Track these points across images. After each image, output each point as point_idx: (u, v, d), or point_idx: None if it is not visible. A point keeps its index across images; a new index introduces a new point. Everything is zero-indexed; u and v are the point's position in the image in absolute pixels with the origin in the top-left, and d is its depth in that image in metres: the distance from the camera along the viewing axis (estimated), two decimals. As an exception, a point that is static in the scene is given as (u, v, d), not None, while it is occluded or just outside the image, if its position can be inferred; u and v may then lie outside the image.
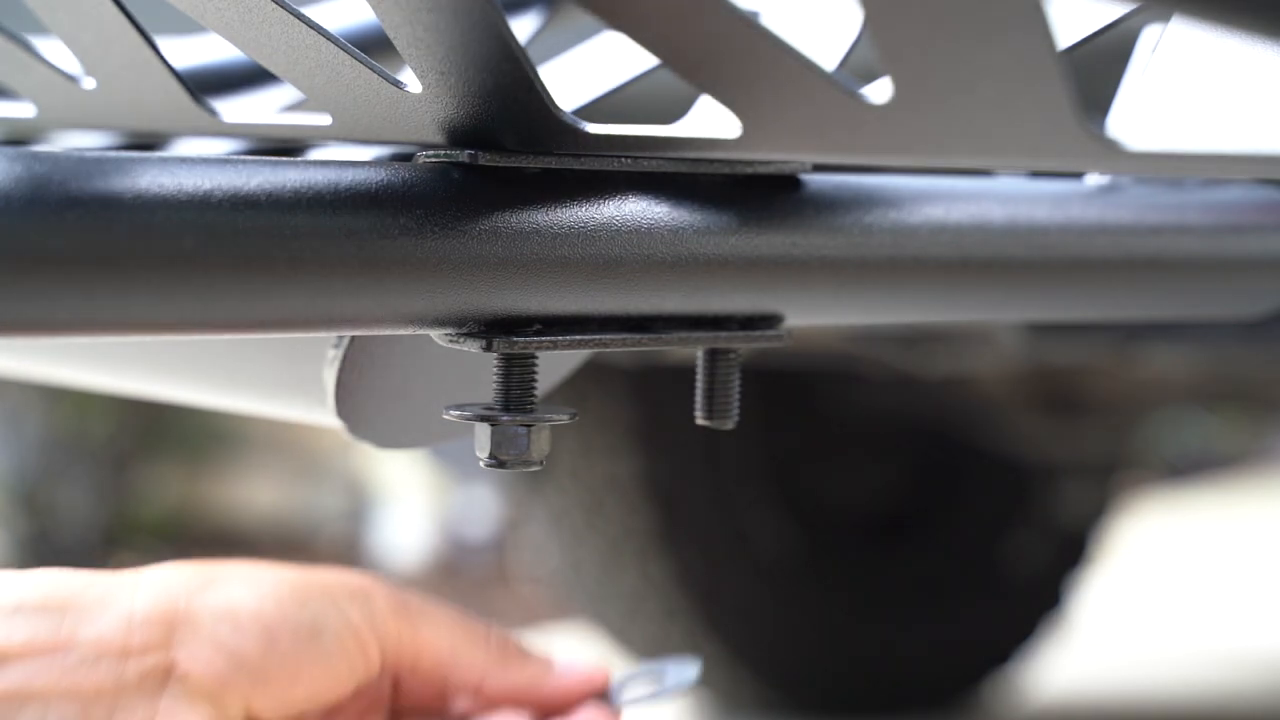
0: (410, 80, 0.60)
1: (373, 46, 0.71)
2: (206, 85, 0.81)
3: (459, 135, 0.61)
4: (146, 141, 0.80)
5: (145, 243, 0.54)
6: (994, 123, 0.54)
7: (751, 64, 0.55)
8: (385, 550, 4.37)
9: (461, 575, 4.18)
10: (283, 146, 0.75)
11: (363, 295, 0.58)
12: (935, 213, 0.69)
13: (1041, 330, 1.40)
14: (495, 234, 0.60)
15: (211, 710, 0.64)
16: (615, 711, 0.71)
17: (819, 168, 0.68)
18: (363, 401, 0.70)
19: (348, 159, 0.60)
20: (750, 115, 0.59)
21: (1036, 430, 1.89)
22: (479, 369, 0.72)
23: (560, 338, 0.63)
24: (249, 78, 0.85)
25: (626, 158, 0.64)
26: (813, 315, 0.70)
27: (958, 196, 0.70)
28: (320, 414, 0.71)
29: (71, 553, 3.87)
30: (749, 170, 0.66)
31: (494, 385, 0.63)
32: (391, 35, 0.58)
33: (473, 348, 0.62)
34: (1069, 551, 2.09)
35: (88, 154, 0.55)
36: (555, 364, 0.73)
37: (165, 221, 0.54)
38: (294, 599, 0.66)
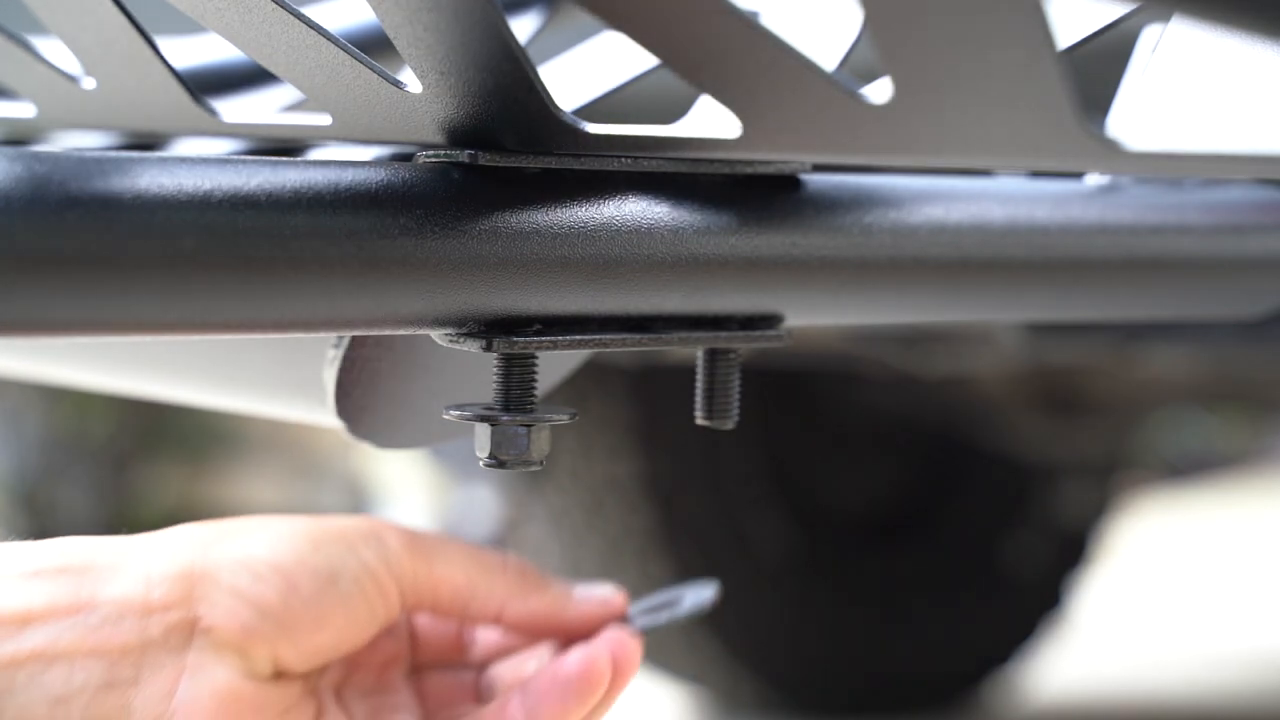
0: (410, 80, 0.60)
1: (373, 46, 0.71)
2: (206, 85, 0.81)
3: (459, 135, 0.61)
4: (146, 141, 0.80)
5: (145, 243, 0.54)
6: (994, 123, 0.54)
7: (751, 64, 0.55)
8: (385, 550, 4.36)
9: (462, 575, 4.17)
10: (283, 146, 0.75)
11: (363, 295, 0.58)
12: (935, 213, 0.69)
13: (1041, 330, 1.40)
14: (495, 234, 0.60)
15: (239, 661, 0.64)
16: (635, 633, 0.70)
17: (819, 168, 0.68)
18: (362, 401, 0.70)
19: (348, 159, 0.60)
20: (750, 115, 0.59)
21: (1036, 430, 1.89)
22: (479, 369, 0.72)
23: (560, 338, 0.63)
24: (249, 78, 0.85)
25: (626, 158, 0.64)
26: (813, 315, 0.70)
27: (958, 196, 0.70)
28: (320, 414, 0.71)
29: (71, 553, 3.86)
30: (749, 170, 0.66)
31: (494, 385, 0.63)
32: (391, 35, 0.58)
33: (473, 348, 0.62)
34: (1069, 551, 2.09)
35: (88, 154, 0.55)
36: (555, 364, 0.73)
37: (165, 221, 0.54)
38: (308, 545, 0.66)
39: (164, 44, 0.66)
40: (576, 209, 0.62)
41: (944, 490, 2.07)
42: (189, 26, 0.68)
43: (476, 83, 0.59)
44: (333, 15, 0.85)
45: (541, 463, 0.64)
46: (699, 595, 0.73)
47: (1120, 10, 0.62)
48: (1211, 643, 2.56)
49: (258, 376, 0.74)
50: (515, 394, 0.63)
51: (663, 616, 0.72)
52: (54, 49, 0.71)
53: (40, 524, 4.02)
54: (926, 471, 2.07)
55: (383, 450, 0.75)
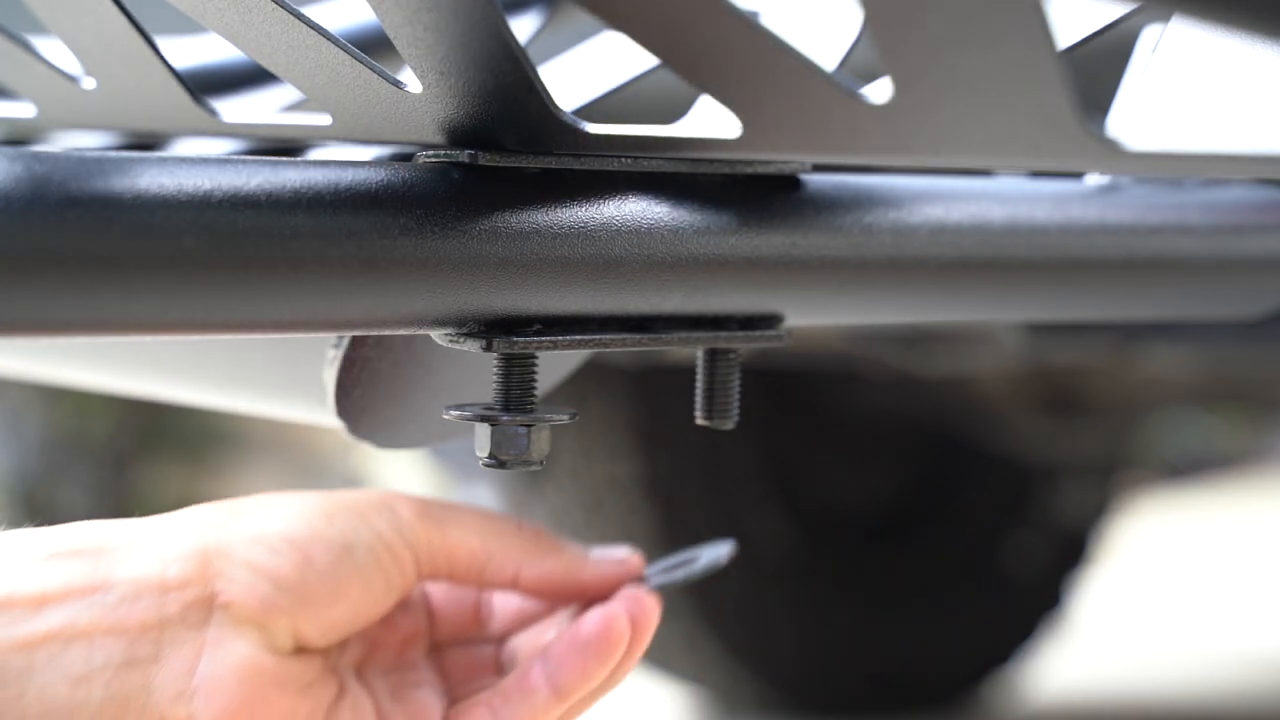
0: (410, 80, 0.60)
1: (373, 46, 0.71)
2: (206, 85, 0.81)
3: (459, 135, 0.61)
4: (146, 141, 0.80)
5: (145, 243, 0.54)
6: (994, 123, 0.54)
7: (751, 64, 0.55)
8: (385, 550, 4.36)
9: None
10: (283, 146, 0.75)
11: (363, 295, 0.58)
12: (935, 213, 0.69)
13: (1041, 330, 1.40)
14: (495, 234, 0.60)
15: (259, 636, 0.64)
16: (652, 591, 0.70)
17: (819, 168, 0.68)
18: (362, 401, 0.70)
19: (348, 159, 0.60)
20: (750, 115, 0.59)
21: (1036, 430, 1.89)
22: (479, 369, 0.72)
23: (560, 338, 0.63)
24: (249, 78, 0.85)
25: (626, 158, 0.64)
26: (813, 315, 0.70)
27: (958, 196, 0.70)
28: (320, 414, 0.71)
29: (71, 553, 3.86)
30: (749, 170, 0.66)
31: (494, 385, 0.63)
32: (391, 35, 0.58)
33: (473, 348, 0.62)
34: (1069, 551, 2.09)
35: (88, 154, 0.55)
36: (555, 364, 0.73)
37: (165, 221, 0.54)
38: (321, 519, 0.66)
39: (164, 44, 0.66)
40: (576, 209, 0.62)
41: (944, 490, 2.07)
42: (189, 26, 0.68)
43: (476, 83, 0.59)
44: (333, 15, 0.85)
45: (541, 463, 0.64)
46: (715, 553, 0.72)
47: (1120, 10, 0.62)
48: (1211, 643, 2.56)
49: (258, 376, 0.74)
50: (515, 394, 0.63)
51: (679, 574, 0.72)
52: (54, 49, 0.71)
53: (40, 524, 4.01)
54: (926, 471, 2.07)
55: (383, 450, 0.75)
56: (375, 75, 0.60)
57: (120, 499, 4.07)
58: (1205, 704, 2.18)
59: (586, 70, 0.70)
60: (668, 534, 1.80)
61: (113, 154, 0.55)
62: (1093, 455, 2.02)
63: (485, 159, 0.61)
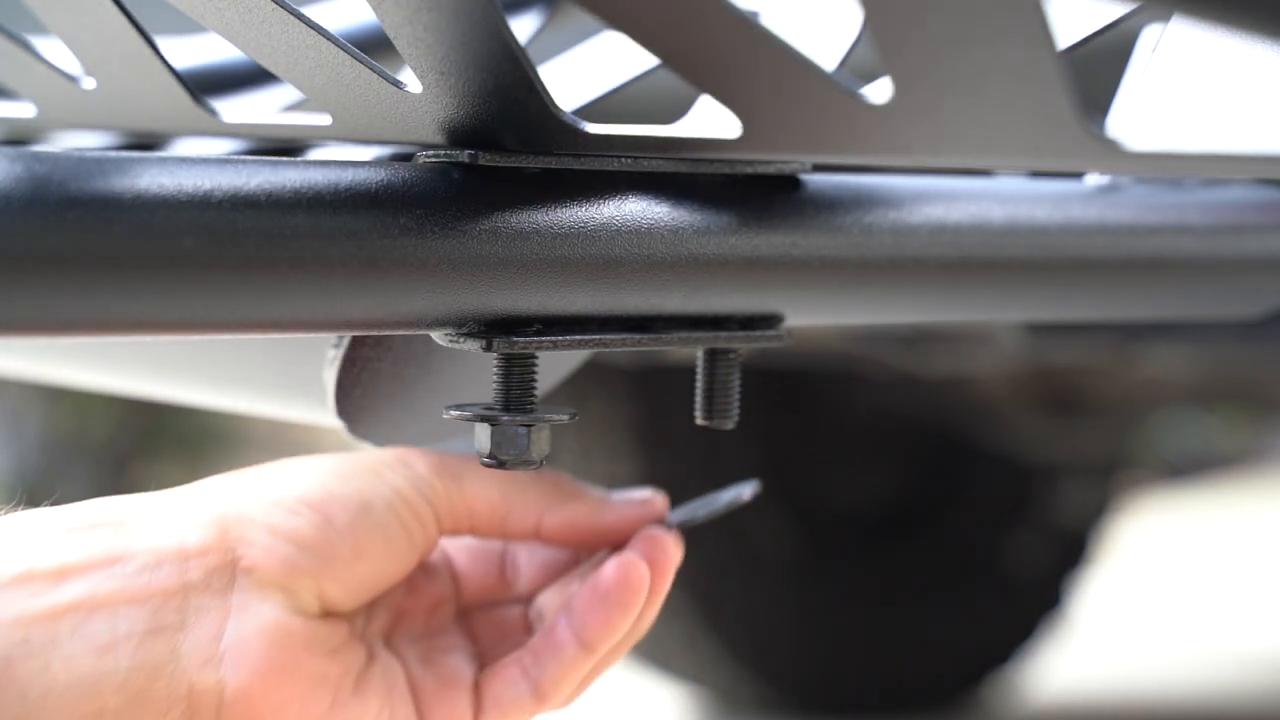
0: (410, 80, 0.60)
1: (373, 46, 0.71)
2: (206, 85, 0.81)
3: (459, 135, 0.61)
4: (146, 141, 0.80)
5: (145, 243, 0.54)
6: (994, 123, 0.54)
7: (751, 64, 0.55)
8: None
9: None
10: (283, 146, 0.75)
11: (363, 295, 0.58)
12: (935, 213, 0.69)
13: (1041, 330, 1.40)
14: (495, 234, 0.60)
15: (284, 598, 0.63)
16: (672, 530, 0.70)
17: (819, 168, 0.68)
18: (363, 401, 0.70)
19: (348, 159, 0.60)
20: (750, 115, 0.59)
21: (1036, 430, 1.89)
22: (479, 369, 0.72)
23: (560, 338, 0.63)
24: (249, 78, 0.85)
25: (626, 158, 0.64)
26: (813, 315, 0.70)
27: (958, 196, 0.70)
28: (320, 414, 0.71)
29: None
30: (749, 170, 0.66)
31: (494, 385, 0.63)
32: (391, 35, 0.58)
33: (473, 348, 0.62)
34: (1069, 551, 2.09)
35: (88, 154, 0.55)
36: (555, 364, 0.73)
37: (165, 221, 0.54)
38: (336, 479, 0.66)
39: (164, 44, 0.66)
40: (576, 209, 0.62)
41: (944, 490, 2.07)
42: (189, 26, 0.68)
43: (476, 83, 0.59)
44: (333, 15, 0.85)
45: (541, 463, 0.64)
46: (738, 490, 0.72)
47: (1120, 10, 0.62)
48: (1211, 643, 2.56)
49: (258, 376, 0.74)
50: (515, 394, 0.63)
51: (701, 512, 0.71)
52: (54, 49, 0.71)
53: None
54: (926, 471, 2.07)
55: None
56: (375, 75, 0.60)
57: (120, 499, 4.06)
58: (1205, 704, 2.18)
59: (586, 70, 0.70)
60: (668, 534, 1.80)
61: (113, 154, 0.55)
62: (1093, 455, 2.02)
63: (485, 159, 0.61)
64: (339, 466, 0.66)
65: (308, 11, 0.59)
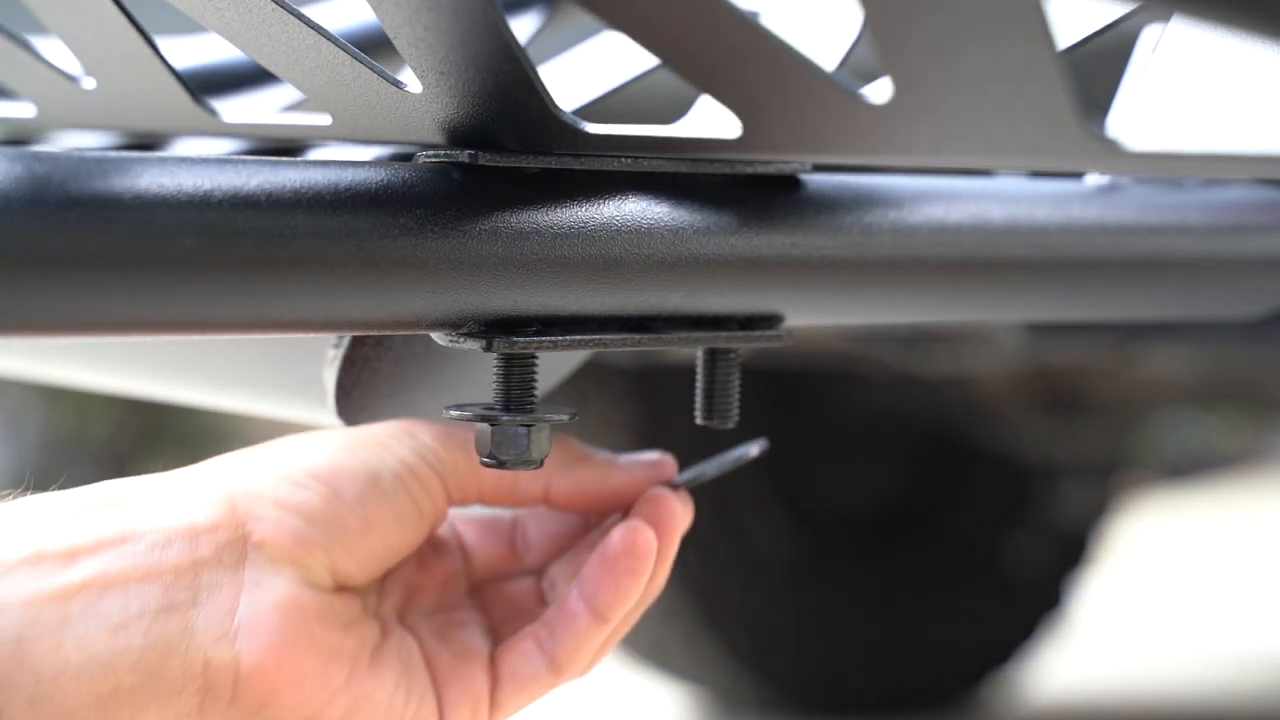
0: (410, 80, 0.60)
1: (373, 46, 0.71)
2: (206, 85, 0.81)
3: (459, 135, 0.61)
4: (146, 141, 0.80)
5: (145, 243, 0.54)
6: (994, 123, 0.54)
7: (751, 64, 0.55)
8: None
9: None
10: (283, 146, 0.75)
11: (363, 295, 0.58)
12: (935, 213, 0.69)
13: (1041, 330, 1.40)
14: (495, 234, 0.60)
15: (296, 572, 0.63)
16: (679, 490, 0.70)
17: (819, 168, 0.68)
18: (363, 401, 0.70)
19: (348, 159, 0.60)
20: (750, 115, 0.59)
21: (1036, 430, 1.89)
22: (479, 369, 0.72)
23: (560, 338, 0.63)
24: (249, 78, 0.85)
25: (626, 158, 0.64)
26: (813, 315, 0.70)
27: (958, 196, 0.70)
28: (320, 414, 0.71)
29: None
30: (749, 170, 0.66)
31: (494, 385, 0.63)
32: (391, 35, 0.58)
33: (473, 348, 0.62)
34: (1069, 551, 2.09)
35: (88, 154, 0.55)
36: (555, 364, 0.73)
37: (165, 221, 0.54)
38: (342, 452, 0.66)
39: (164, 44, 0.66)
40: (576, 209, 0.62)
41: (944, 490, 2.07)
42: (189, 26, 0.68)
43: (476, 83, 0.59)
44: (333, 15, 0.85)
45: (541, 463, 0.64)
46: (745, 449, 0.71)
47: (1120, 10, 0.62)
48: (1211, 643, 2.56)
49: (258, 376, 0.74)
50: (515, 394, 0.63)
51: (709, 471, 0.71)
52: (54, 49, 0.71)
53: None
54: (926, 472, 2.07)
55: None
56: (375, 75, 0.60)
57: (120, 499, 4.06)
58: (1205, 704, 2.18)
59: (586, 70, 0.70)
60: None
61: (113, 154, 0.55)
62: (1093, 455, 2.02)
63: (485, 159, 0.61)
64: (345, 440, 0.66)
65: (308, 11, 0.59)
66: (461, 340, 0.62)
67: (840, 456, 2.05)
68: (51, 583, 0.60)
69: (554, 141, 0.61)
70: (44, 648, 0.59)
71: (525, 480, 0.69)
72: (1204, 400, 2.51)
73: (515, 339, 0.62)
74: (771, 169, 0.66)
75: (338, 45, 0.59)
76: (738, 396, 0.69)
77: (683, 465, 0.71)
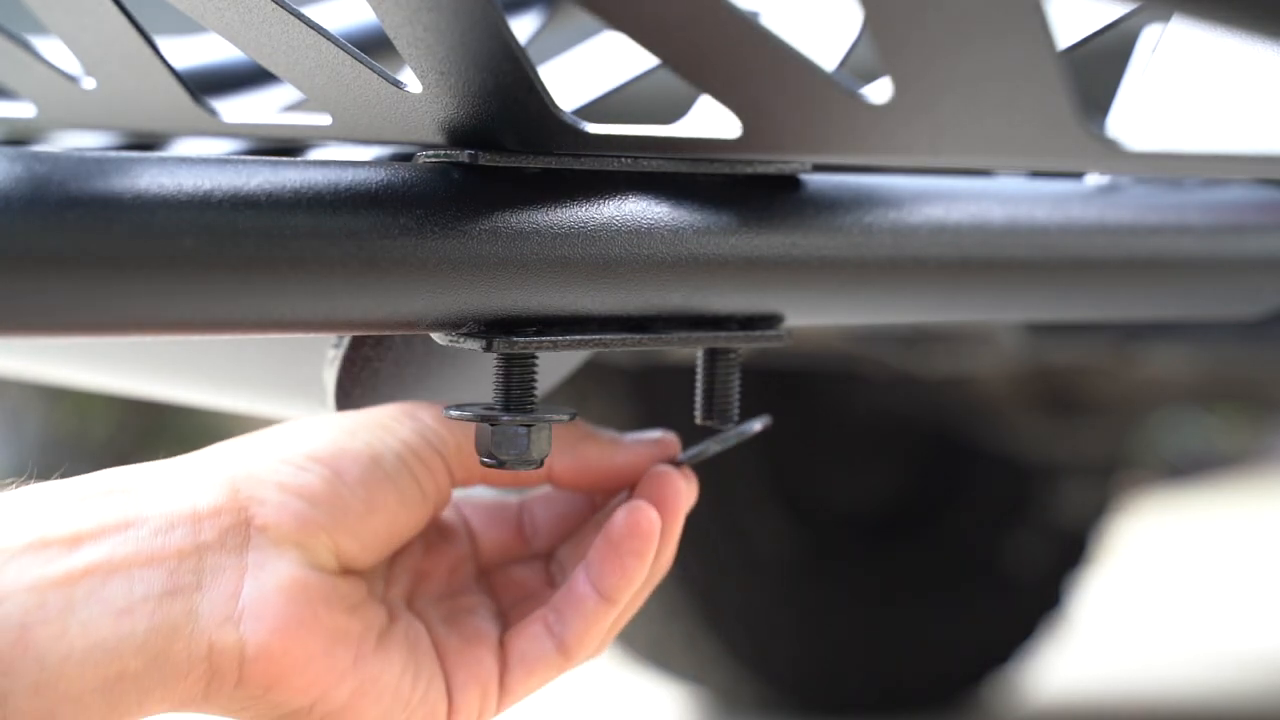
0: (410, 80, 0.60)
1: (373, 46, 0.71)
2: (206, 85, 0.81)
3: (459, 135, 0.62)
4: (146, 141, 0.80)
5: (145, 243, 0.54)
6: (994, 123, 0.54)
7: (751, 64, 0.55)
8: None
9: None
10: (283, 146, 0.75)
11: (363, 295, 0.58)
12: (935, 213, 0.69)
13: (1041, 330, 1.40)
14: (495, 234, 0.60)
15: (300, 555, 0.63)
16: (682, 467, 0.69)
17: (819, 168, 0.68)
18: (362, 401, 0.70)
19: (348, 159, 0.60)
20: (750, 115, 0.59)
21: (1036, 430, 1.89)
22: (479, 369, 0.72)
23: (560, 338, 0.63)
24: (249, 78, 0.85)
25: (626, 158, 0.64)
26: (813, 315, 0.70)
27: (958, 196, 0.70)
28: (320, 414, 0.71)
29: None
30: (749, 170, 0.66)
31: (494, 385, 0.63)
32: (391, 35, 0.58)
33: (473, 348, 0.62)
34: (1069, 551, 2.09)
35: (88, 154, 0.55)
36: (555, 364, 0.73)
37: (165, 221, 0.54)
38: (343, 434, 0.66)
39: (164, 44, 0.66)
40: (576, 209, 0.62)
41: (944, 490, 2.07)
42: (189, 26, 0.68)
43: (476, 83, 0.59)
44: (333, 15, 0.85)
45: (541, 463, 0.64)
46: (748, 425, 0.71)
47: (1120, 10, 0.62)
48: (1211, 643, 2.56)
49: (258, 376, 0.74)
50: (515, 394, 0.63)
51: (712, 447, 0.71)
52: (54, 49, 0.71)
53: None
54: (926, 471, 2.07)
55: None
56: (375, 75, 0.60)
57: (120, 499, 4.06)
58: (1205, 704, 2.18)
59: (586, 70, 0.70)
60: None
61: (113, 154, 0.55)
62: (1093, 455, 2.02)
63: (485, 159, 0.61)
64: (346, 423, 0.66)
65: (308, 11, 0.59)
66: (461, 340, 0.62)
67: (840, 456, 2.05)
68: (55, 569, 0.60)
69: (554, 141, 0.62)
70: (48, 633, 0.59)
71: None
72: (1204, 400, 2.51)
73: (515, 339, 0.62)
74: (771, 169, 0.66)
75: (338, 45, 0.59)
76: (738, 396, 0.69)
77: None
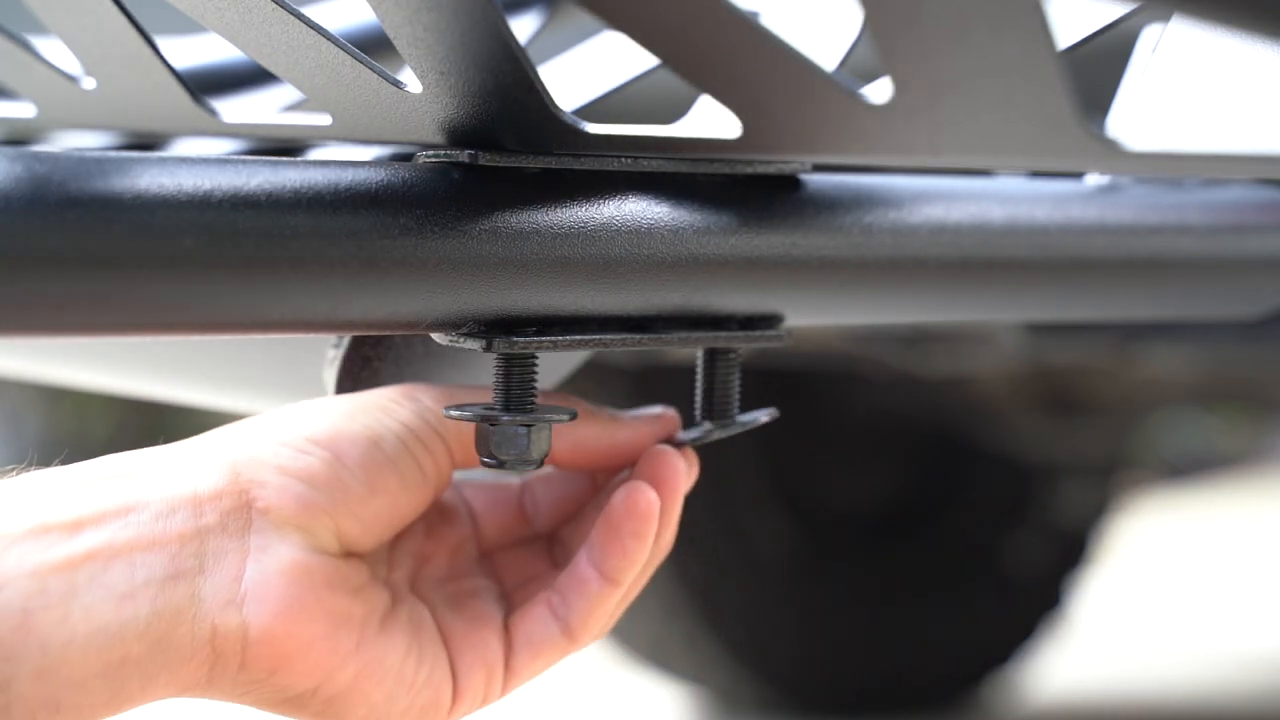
0: (410, 80, 0.60)
1: (373, 46, 0.71)
2: (206, 85, 0.81)
3: (459, 135, 0.62)
4: (146, 141, 0.80)
5: (145, 243, 0.54)
6: (994, 123, 0.54)
7: (751, 64, 0.55)
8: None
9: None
10: (283, 146, 0.75)
11: (363, 295, 0.58)
12: (935, 213, 0.69)
13: (1041, 330, 1.40)
14: (495, 234, 0.60)
15: (302, 537, 0.63)
16: (683, 447, 0.69)
17: (819, 168, 0.68)
18: (363, 401, 0.70)
19: (348, 159, 0.60)
20: (750, 115, 0.59)
21: (1036, 430, 1.89)
22: (479, 369, 0.72)
23: (560, 338, 0.63)
24: (249, 78, 0.85)
25: (626, 158, 0.64)
26: (813, 315, 0.70)
27: (958, 196, 0.70)
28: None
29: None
30: (749, 170, 0.66)
31: (494, 385, 0.64)
32: (391, 35, 0.58)
33: (473, 348, 0.62)
34: (1069, 551, 2.09)
35: (88, 154, 0.55)
36: (555, 364, 0.73)
37: (165, 221, 0.54)
38: (343, 417, 0.65)
39: (164, 44, 0.66)
40: (576, 209, 0.62)
41: (944, 490, 2.07)
42: (189, 26, 0.68)
43: (476, 83, 0.59)
44: (333, 15, 0.85)
45: (541, 462, 0.64)
46: (754, 415, 0.71)
47: (1120, 10, 0.62)
48: (1211, 643, 2.56)
49: (258, 376, 0.74)
50: (515, 394, 0.63)
51: (715, 432, 0.70)
52: (54, 49, 0.71)
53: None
54: (926, 471, 2.07)
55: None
56: (375, 75, 0.60)
57: (120, 499, 4.06)
58: (1205, 704, 2.18)
59: (586, 70, 0.70)
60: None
61: (113, 154, 0.55)
62: (1093, 455, 2.02)
63: (485, 159, 0.61)
64: (346, 405, 0.66)
65: (308, 11, 0.59)
66: (461, 340, 0.62)
67: (840, 456, 2.05)
68: (57, 554, 0.60)
69: (554, 141, 0.62)
70: (51, 619, 0.59)
71: None
72: (1204, 400, 2.51)
73: (515, 339, 0.62)
74: (771, 169, 0.66)
75: (338, 45, 0.59)
76: (738, 396, 0.69)
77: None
